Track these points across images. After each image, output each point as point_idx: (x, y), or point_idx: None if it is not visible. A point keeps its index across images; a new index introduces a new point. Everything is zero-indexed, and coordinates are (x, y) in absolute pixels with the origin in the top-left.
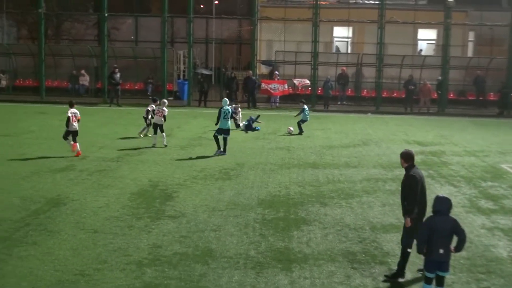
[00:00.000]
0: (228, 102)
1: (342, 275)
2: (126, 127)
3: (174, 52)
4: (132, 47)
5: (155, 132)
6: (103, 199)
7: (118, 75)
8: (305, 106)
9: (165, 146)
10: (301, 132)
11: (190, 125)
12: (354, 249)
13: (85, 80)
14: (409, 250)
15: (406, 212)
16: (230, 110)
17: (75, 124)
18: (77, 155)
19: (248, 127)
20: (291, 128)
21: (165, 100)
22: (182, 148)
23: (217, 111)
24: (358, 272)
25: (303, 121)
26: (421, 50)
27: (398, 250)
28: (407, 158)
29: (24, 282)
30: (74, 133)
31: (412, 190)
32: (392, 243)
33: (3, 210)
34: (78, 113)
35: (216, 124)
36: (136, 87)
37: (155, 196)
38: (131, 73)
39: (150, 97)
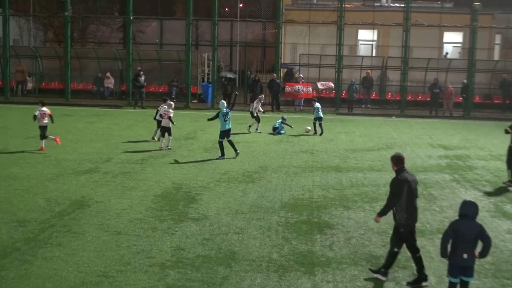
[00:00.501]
0: (225, 105)
1: (365, 279)
2: (150, 130)
3: (198, 55)
4: (157, 50)
5: (163, 135)
6: (127, 201)
7: (142, 78)
8: (317, 104)
9: (169, 149)
10: (316, 131)
11: (214, 128)
12: (377, 253)
13: (110, 82)
14: (396, 249)
15: (380, 211)
16: (228, 111)
17: (44, 120)
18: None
19: (276, 129)
20: (309, 128)
21: (171, 102)
22: (206, 150)
23: (240, 114)
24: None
25: (316, 119)
26: (447, 53)
27: (422, 255)
28: (396, 161)
29: (49, 283)
30: (44, 128)
31: (393, 193)
32: None
33: (28, 211)
34: (48, 110)
35: (209, 120)
36: (160, 90)
37: (179, 198)
38: (155, 76)
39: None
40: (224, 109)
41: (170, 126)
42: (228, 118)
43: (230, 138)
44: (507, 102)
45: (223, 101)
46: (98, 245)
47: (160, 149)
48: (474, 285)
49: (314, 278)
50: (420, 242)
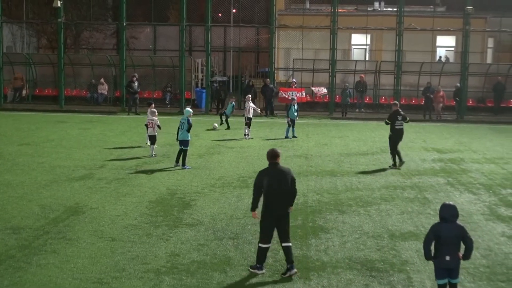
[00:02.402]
0: (191, 113)
1: (361, 283)
2: (144, 136)
3: (192, 60)
4: (151, 56)
5: (152, 143)
6: (121, 208)
7: (136, 83)
8: (232, 102)
9: (154, 156)
10: (229, 127)
11: (208, 133)
12: (372, 257)
13: (103, 89)
14: (260, 245)
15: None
16: (186, 120)
17: None
18: None
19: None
20: (216, 124)
21: (154, 110)
22: (200, 156)
23: (235, 119)
24: (376, 280)
25: (227, 115)
26: (441, 57)
27: (417, 258)
28: (268, 156)
29: None
30: None
31: (254, 185)
32: (411, 251)
33: (23, 218)
34: None
35: (177, 139)
36: (154, 96)
37: (173, 204)
38: (149, 82)
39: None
40: (183, 117)
41: (156, 134)
42: (182, 128)
43: (186, 149)
44: (501, 105)
45: (187, 108)
46: (92, 251)
47: (151, 156)
48: None
49: (309, 283)
50: (415, 245)
